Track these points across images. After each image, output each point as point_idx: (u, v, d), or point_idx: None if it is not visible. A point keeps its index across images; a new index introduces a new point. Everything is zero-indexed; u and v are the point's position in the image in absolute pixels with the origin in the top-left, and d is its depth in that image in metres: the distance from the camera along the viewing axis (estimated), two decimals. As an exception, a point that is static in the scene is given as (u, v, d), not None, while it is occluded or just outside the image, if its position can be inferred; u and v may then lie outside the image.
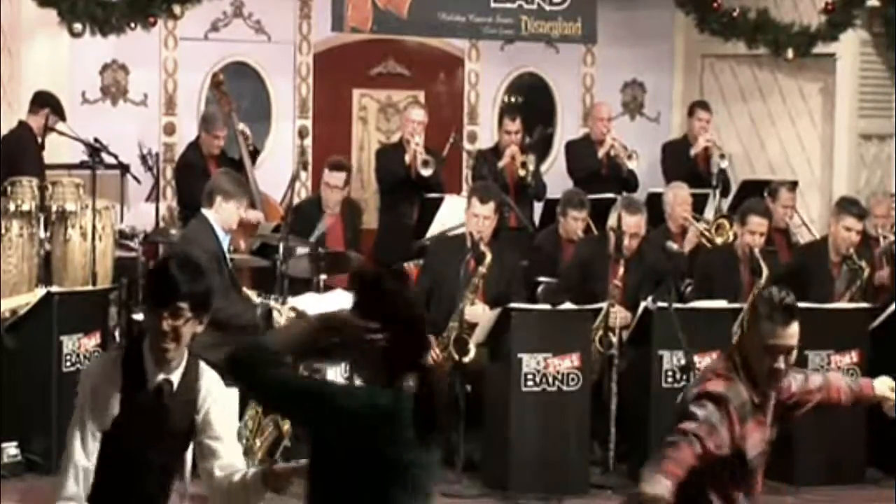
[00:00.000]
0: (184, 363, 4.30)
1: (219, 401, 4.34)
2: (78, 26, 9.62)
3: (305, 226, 8.81)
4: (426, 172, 9.90)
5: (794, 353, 4.48)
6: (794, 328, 4.44)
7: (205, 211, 7.97)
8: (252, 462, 6.86)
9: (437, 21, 11.05)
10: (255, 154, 10.20)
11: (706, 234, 9.69)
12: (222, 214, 7.92)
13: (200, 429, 4.30)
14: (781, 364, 4.44)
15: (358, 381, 3.84)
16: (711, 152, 10.70)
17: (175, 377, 4.28)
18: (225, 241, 7.87)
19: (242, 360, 3.76)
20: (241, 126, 10.10)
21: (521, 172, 10.25)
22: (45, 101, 9.42)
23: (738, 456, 4.48)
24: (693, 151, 10.82)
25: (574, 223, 9.32)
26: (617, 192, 9.88)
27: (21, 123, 9.41)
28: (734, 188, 10.86)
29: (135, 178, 10.12)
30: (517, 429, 7.83)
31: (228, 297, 7.48)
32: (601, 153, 10.73)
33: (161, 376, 4.25)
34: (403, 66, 11.59)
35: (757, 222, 8.71)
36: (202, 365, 4.36)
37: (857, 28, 11.46)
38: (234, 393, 4.80)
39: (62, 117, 9.45)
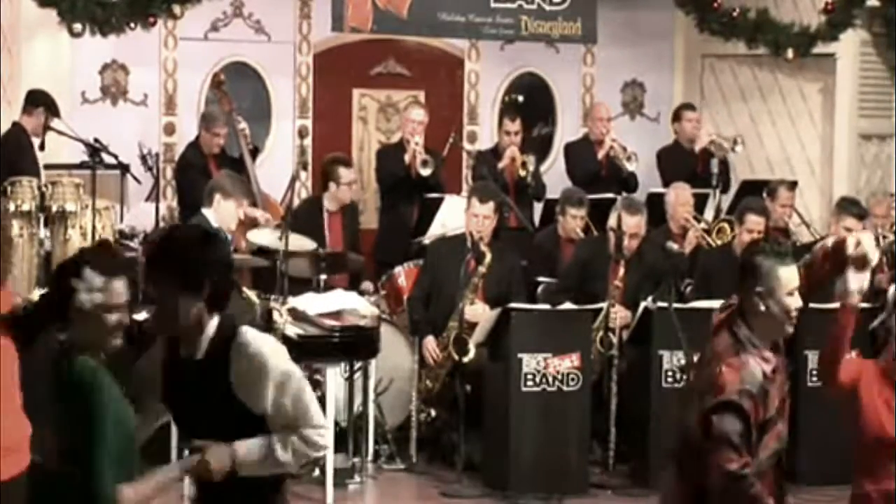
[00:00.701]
0: (210, 336, 4.19)
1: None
2: (78, 26, 9.60)
3: (304, 228, 8.80)
4: (426, 172, 9.90)
5: None
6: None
7: (205, 210, 7.97)
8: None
9: (436, 21, 11.04)
10: (255, 153, 10.20)
11: (705, 236, 9.69)
12: (221, 213, 7.92)
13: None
14: (800, 300, 4.65)
15: None
16: (716, 147, 10.68)
17: (200, 353, 4.19)
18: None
19: None
20: (242, 125, 10.10)
21: (521, 172, 10.24)
22: (39, 101, 9.37)
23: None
24: (698, 147, 10.81)
25: (573, 221, 9.31)
26: (617, 193, 9.87)
27: (15, 124, 9.38)
28: (734, 186, 10.86)
29: (135, 178, 10.10)
30: (517, 429, 7.83)
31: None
32: (601, 154, 10.72)
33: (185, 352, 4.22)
34: (403, 66, 11.58)
35: (754, 221, 8.73)
36: (239, 336, 4.20)
37: (857, 28, 11.45)
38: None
39: (56, 115, 9.43)
